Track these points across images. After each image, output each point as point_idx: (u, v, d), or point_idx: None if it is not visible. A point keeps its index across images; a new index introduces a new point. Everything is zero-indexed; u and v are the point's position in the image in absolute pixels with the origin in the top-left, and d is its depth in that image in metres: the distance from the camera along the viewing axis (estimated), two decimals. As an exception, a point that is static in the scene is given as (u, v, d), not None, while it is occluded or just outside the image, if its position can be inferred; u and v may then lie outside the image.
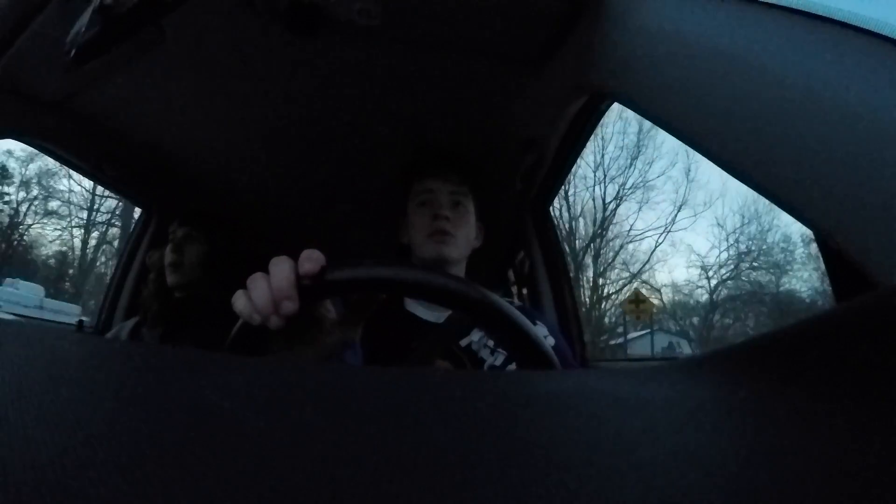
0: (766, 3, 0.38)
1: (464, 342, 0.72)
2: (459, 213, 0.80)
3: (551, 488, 0.12)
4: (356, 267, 0.41)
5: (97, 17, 0.48)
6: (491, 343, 0.72)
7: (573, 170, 1.02)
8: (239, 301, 0.40)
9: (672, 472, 0.13)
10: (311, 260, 0.39)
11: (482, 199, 0.86)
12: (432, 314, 0.75)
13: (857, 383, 0.15)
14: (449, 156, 0.86)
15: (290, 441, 0.15)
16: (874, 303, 0.18)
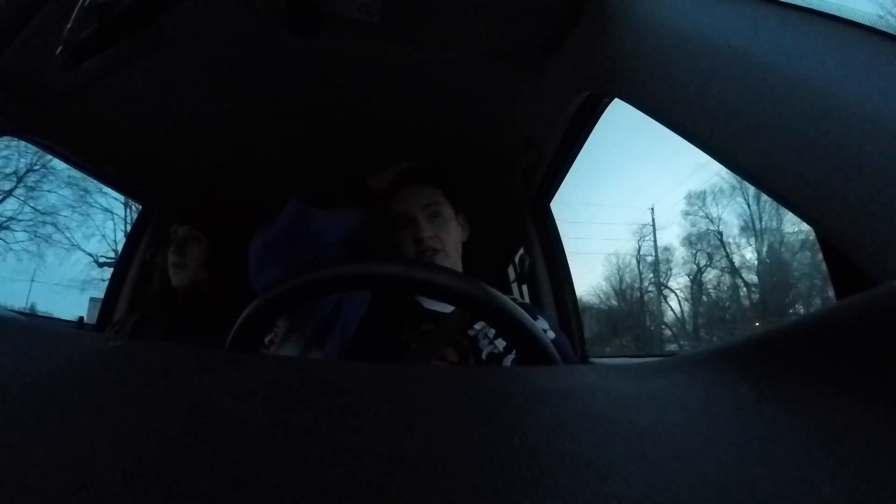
0: (766, 0, 0.38)
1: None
2: (439, 224, 0.81)
3: (553, 485, 0.12)
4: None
5: (93, 16, 0.48)
6: (491, 333, 0.73)
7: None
8: None
9: (673, 468, 0.13)
10: None
11: (457, 193, 0.86)
12: (440, 305, 0.76)
13: (857, 380, 0.15)
14: (414, 169, 0.86)
15: (291, 438, 0.15)
16: (874, 301, 0.18)
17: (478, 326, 0.73)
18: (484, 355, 0.70)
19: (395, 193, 0.82)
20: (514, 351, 0.71)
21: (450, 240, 0.81)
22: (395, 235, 0.82)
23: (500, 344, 0.72)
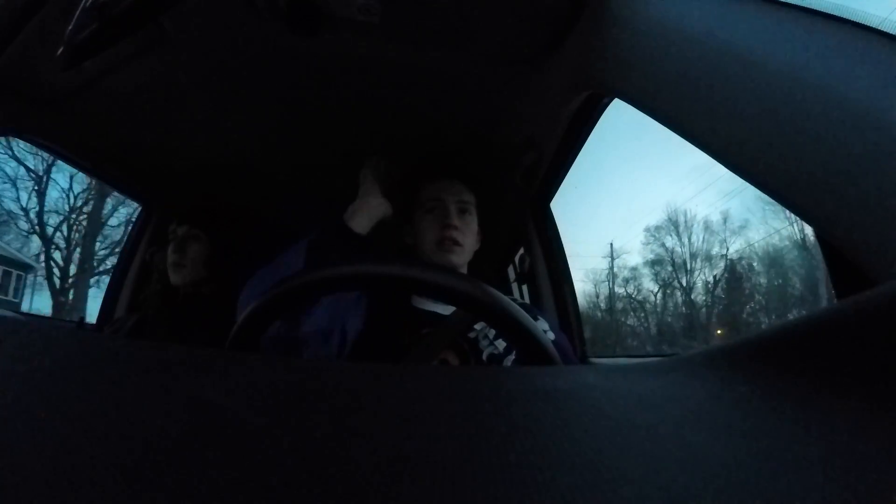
0: (765, 1, 0.38)
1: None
2: (466, 221, 0.81)
3: (553, 484, 0.12)
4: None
5: (93, 16, 0.48)
6: (491, 334, 0.73)
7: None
8: None
9: (673, 467, 0.13)
10: None
11: (484, 206, 0.87)
12: (439, 307, 0.76)
13: (856, 380, 0.15)
14: (458, 164, 0.87)
15: (291, 438, 0.15)
16: (874, 301, 0.18)
17: (478, 327, 0.73)
18: (484, 356, 0.70)
19: (434, 179, 0.83)
20: (514, 351, 0.71)
21: (469, 241, 0.82)
22: (417, 219, 0.81)
23: (501, 345, 0.72)
